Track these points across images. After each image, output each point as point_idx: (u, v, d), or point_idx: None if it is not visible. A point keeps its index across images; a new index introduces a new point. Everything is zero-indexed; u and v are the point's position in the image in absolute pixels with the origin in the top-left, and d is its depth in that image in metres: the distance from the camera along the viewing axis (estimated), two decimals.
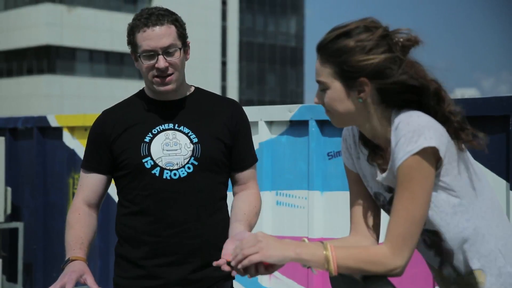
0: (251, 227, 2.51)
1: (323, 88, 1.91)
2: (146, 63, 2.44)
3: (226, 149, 2.55)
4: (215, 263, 2.00)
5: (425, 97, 1.84)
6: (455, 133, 1.85)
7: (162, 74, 2.44)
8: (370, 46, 1.83)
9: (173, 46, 2.44)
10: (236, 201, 2.60)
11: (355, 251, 1.84)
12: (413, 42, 1.86)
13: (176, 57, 2.45)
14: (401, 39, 1.85)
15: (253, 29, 51.46)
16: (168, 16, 2.45)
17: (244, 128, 2.62)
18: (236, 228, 2.44)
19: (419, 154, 1.77)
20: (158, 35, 2.42)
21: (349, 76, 1.85)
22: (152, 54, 2.43)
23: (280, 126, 3.95)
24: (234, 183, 2.65)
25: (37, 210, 5.77)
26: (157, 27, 2.42)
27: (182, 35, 2.49)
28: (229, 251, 2.13)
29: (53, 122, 5.58)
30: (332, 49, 1.86)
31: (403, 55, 1.84)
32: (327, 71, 1.88)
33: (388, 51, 1.83)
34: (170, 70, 2.45)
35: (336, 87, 1.88)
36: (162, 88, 2.47)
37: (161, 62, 2.42)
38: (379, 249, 1.82)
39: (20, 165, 6.06)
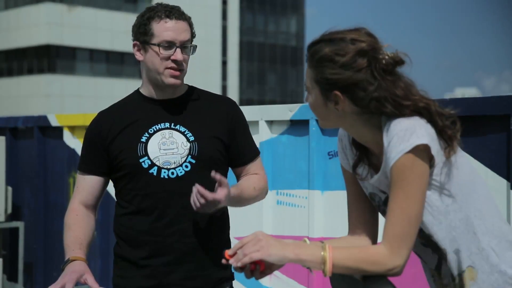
0: (241, 191, 2.49)
1: (307, 91, 1.93)
2: (164, 52, 2.46)
3: (223, 147, 2.56)
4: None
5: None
6: (440, 132, 1.84)
7: (178, 67, 2.47)
8: (345, 61, 1.81)
9: (189, 42, 2.50)
10: (243, 177, 2.62)
11: (354, 251, 1.85)
12: (397, 62, 1.84)
13: (189, 54, 2.51)
14: (386, 57, 1.83)
15: (254, 29, 51.44)
16: (186, 15, 2.53)
17: (240, 124, 2.63)
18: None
19: (412, 152, 1.78)
20: (179, 29, 2.47)
21: (324, 86, 1.85)
22: (170, 45, 2.46)
23: (281, 125, 3.95)
24: (239, 177, 2.66)
25: (38, 210, 5.77)
26: (180, 21, 2.48)
27: (193, 35, 2.55)
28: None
29: (54, 122, 5.59)
30: (314, 55, 1.87)
31: (382, 74, 1.82)
32: (310, 76, 1.90)
33: (367, 68, 1.81)
34: (183, 66, 2.49)
35: (316, 94, 1.90)
36: (172, 80, 2.48)
37: (179, 54, 2.46)
38: (378, 249, 1.83)
39: (21, 164, 6.06)
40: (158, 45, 2.46)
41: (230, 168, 2.67)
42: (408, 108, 1.81)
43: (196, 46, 2.54)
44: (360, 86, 1.81)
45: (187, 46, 2.49)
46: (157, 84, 2.53)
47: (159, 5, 2.51)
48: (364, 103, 1.83)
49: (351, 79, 1.81)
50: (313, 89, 1.89)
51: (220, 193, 2.30)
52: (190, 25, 2.53)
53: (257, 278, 1.87)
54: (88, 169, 2.56)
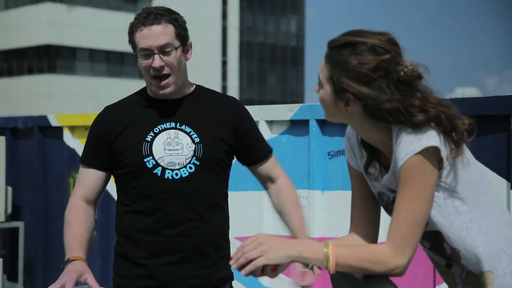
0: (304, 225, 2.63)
1: (319, 84, 1.92)
2: (143, 62, 2.44)
3: (229, 149, 2.55)
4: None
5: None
6: (448, 134, 1.83)
7: (158, 73, 2.43)
8: (364, 72, 1.80)
9: (169, 46, 2.43)
10: (276, 198, 2.68)
11: (357, 249, 1.85)
12: (414, 77, 1.82)
13: (172, 57, 2.44)
14: (405, 69, 1.81)
15: (254, 29, 51.43)
16: (166, 16, 2.45)
17: (248, 123, 2.63)
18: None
19: (422, 154, 1.78)
20: (154, 34, 2.41)
21: (338, 88, 1.85)
22: (149, 53, 2.42)
23: (281, 125, 3.94)
24: (259, 177, 2.68)
25: (38, 210, 5.77)
26: (154, 26, 2.42)
27: (180, 35, 2.47)
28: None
29: (54, 122, 5.58)
30: (333, 55, 1.86)
31: (399, 86, 1.80)
32: (325, 71, 1.88)
33: (383, 78, 1.80)
34: (166, 70, 2.44)
35: (328, 90, 1.88)
36: (160, 91, 2.47)
37: (157, 61, 2.42)
38: (381, 248, 1.82)
39: (21, 164, 6.06)
40: (137, 55, 2.45)
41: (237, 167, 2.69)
42: (419, 119, 1.80)
43: (183, 45, 2.47)
44: (372, 96, 1.80)
45: (167, 51, 2.42)
46: (151, 90, 2.53)
47: (142, 10, 2.48)
48: (374, 113, 1.82)
49: (365, 92, 1.80)
50: (325, 85, 1.88)
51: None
52: (175, 25, 2.45)
53: (271, 277, 1.87)
54: (91, 164, 2.55)
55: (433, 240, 1.91)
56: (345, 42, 1.85)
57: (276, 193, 2.67)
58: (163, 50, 2.42)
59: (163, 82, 2.45)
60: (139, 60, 2.45)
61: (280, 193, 2.66)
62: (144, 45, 2.42)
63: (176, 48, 2.44)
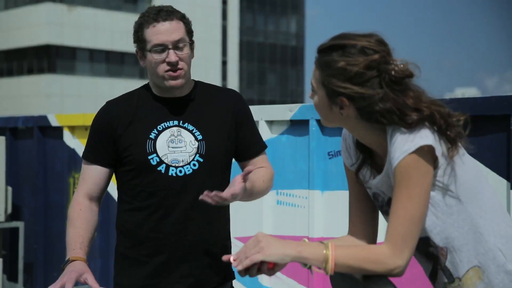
0: (252, 183, 2.44)
1: (313, 90, 1.93)
2: (157, 57, 2.45)
3: (230, 145, 2.56)
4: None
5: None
6: (443, 133, 1.84)
7: (173, 68, 2.46)
8: (355, 72, 1.80)
9: (182, 41, 2.47)
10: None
11: (356, 250, 1.85)
12: (406, 75, 1.83)
13: (185, 52, 2.48)
14: (395, 68, 1.82)
15: (254, 29, 51.44)
16: (177, 13, 2.50)
17: (247, 118, 2.63)
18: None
19: (416, 153, 1.78)
20: (168, 30, 2.45)
21: (331, 92, 1.86)
22: (163, 48, 2.45)
23: (281, 125, 3.95)
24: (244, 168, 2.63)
25: (38, 210, 5.77)
26: (168, 22, 2.45)
27: (189, 31, 2.52)
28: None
29: (54, 122, 5.59)
30: (323, 59, 1.87)
31: (390, 85, 1.81)
32: (317, 77, 1.89)
33: (375, 78, 1.81)
34: (180, 65, 2.47)
35: (321, 96, 1.90)
36: (173, 82, 2.47)
37: (172, 56, 2.44)
38: (380, 248, 1.83)
39: (21, 164, 6.06)
40: (150, 50, 2.46)
41: (236, 163, 2.67)
42: (413, 119, 1.80)
43: (192, 42, 2.52)
44: (366, 97, 1.81)
45: (180, 46, 2.47)
46: (161, 87, 2.52)
47: (150, 8, 2.51)
48: (368, 114, 1.83)
49: (358, 91, 1.81)
50: (319, 90, 1.89)
51: (237, 187, 2.28)
52: (184, 22, 2.50)
53: (268, 275, 1.88)
54: (95, 160, 2.54)
55: (424, 244, 1.91)
56: (334, 45, 1.86)
57: (255, 169, 2.56)
58: (177, 45, 2.46)
59: (177, 72, 2.46)
60: (152, 55, 2.45)
61: (258, 169, 2.58)
62: (158, 40, 2.44)
63: (188, 44, 2.49)
